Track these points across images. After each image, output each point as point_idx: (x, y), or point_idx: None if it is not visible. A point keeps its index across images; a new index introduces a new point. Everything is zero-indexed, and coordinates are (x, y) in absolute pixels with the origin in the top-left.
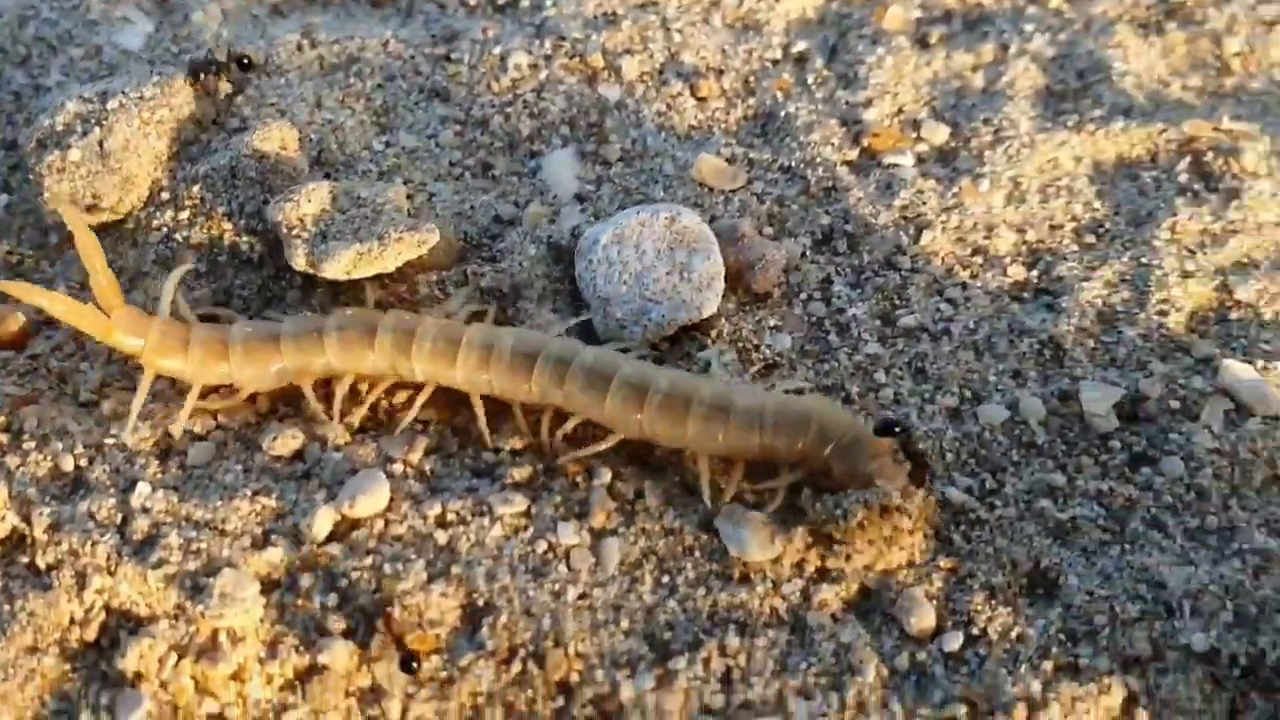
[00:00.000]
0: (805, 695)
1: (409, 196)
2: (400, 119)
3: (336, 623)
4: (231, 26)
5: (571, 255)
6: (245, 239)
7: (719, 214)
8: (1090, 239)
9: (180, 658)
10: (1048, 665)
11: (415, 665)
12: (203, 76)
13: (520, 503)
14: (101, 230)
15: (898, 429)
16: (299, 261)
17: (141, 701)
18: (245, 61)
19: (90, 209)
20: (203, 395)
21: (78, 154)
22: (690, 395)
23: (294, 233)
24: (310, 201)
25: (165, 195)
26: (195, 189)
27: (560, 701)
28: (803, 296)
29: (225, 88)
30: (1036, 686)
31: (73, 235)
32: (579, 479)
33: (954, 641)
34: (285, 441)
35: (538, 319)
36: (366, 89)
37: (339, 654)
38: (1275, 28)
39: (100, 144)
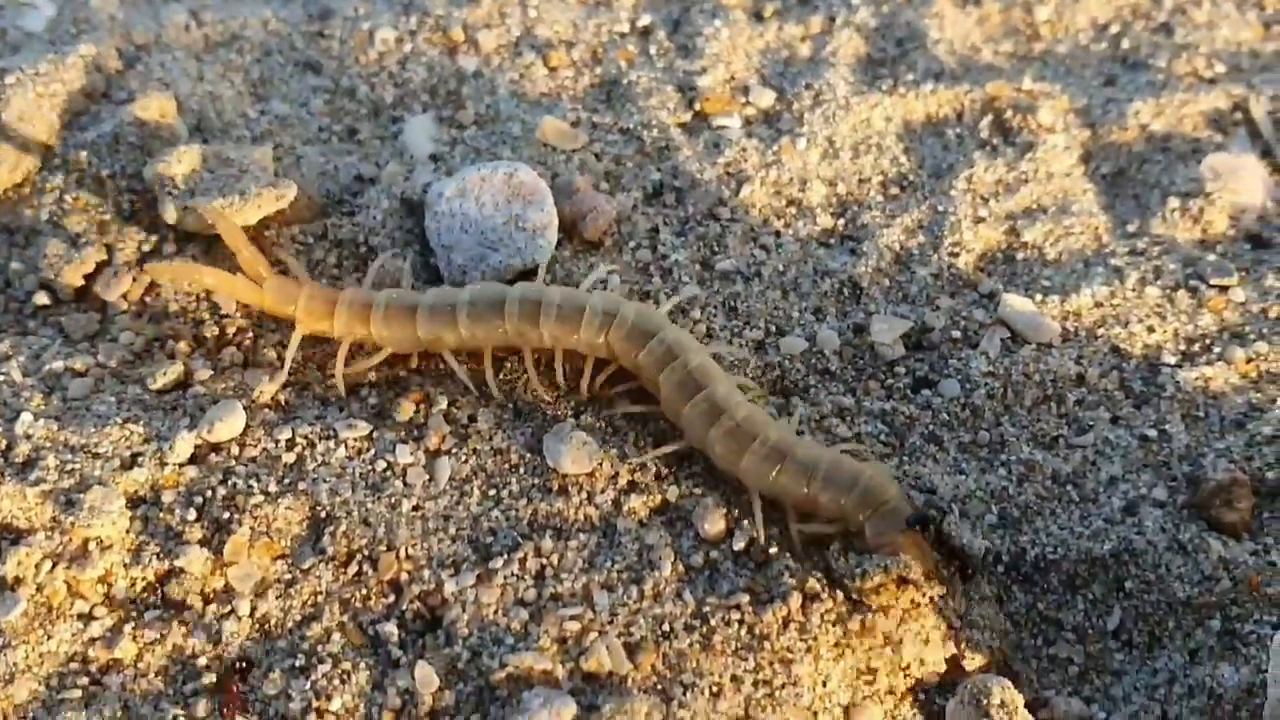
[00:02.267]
0: (608, 588)
1: (277, 159)
2: (275, 89)
3: (194, 532)
4: (127, 9)
5: (422, 209)
6: (126, 198)
7: (560, 171)
8: (895, 191)
9: (54, 565)
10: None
11: None
12: None
13: (363, 428)
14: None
15: (928, 524)
16: (169, 215)
17: (18, 603)
18: None
19: None
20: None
21: None
22: (757, 433)
23: (166, 189)
24: (181, 162)
25: (57, 161)
26: (83, 155)
27: (391, 598)
28: (632, 244)
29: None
30: (812, 581)
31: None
32: (420, 405)
33: (741, 542)
34: (166, 375)
35: (388, 267)
36: (245, 63)
37: (195, 559)
38: None
39: None
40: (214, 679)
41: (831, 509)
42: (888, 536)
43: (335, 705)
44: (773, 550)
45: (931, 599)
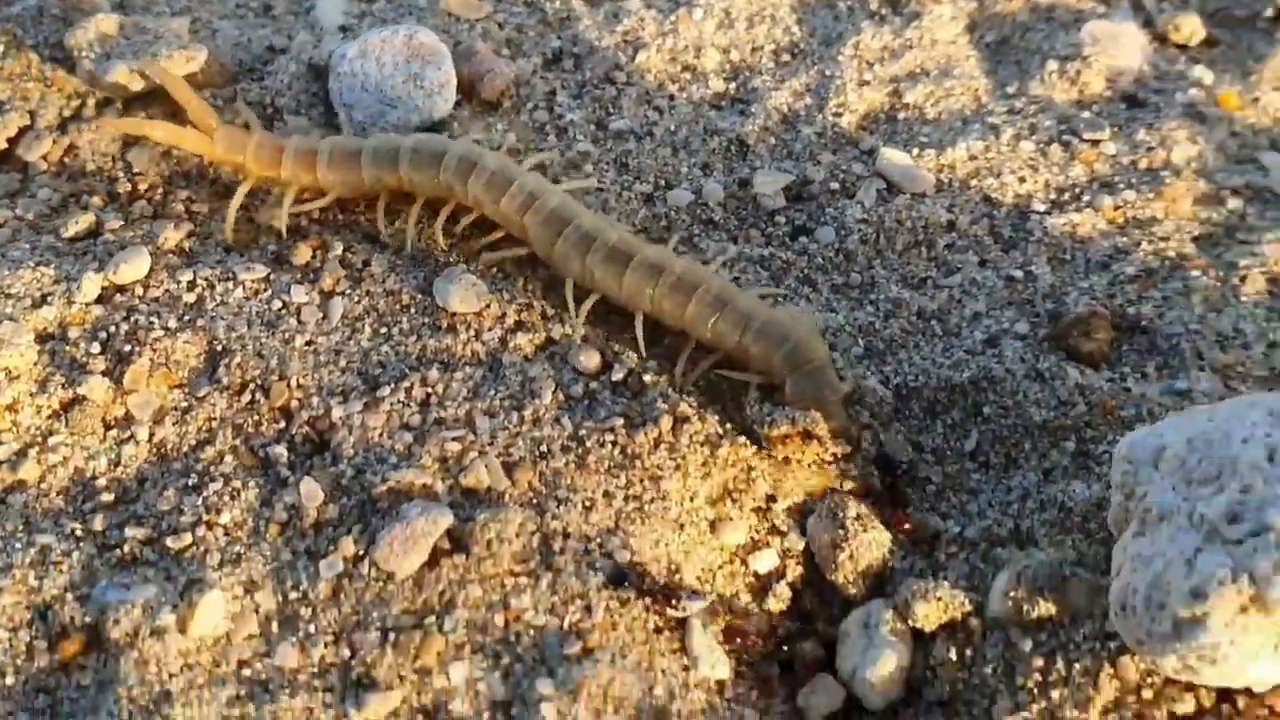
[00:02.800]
0: (490, 414)
1: (194, 30)
2: None
3: (97, 364)
4: None
5: (328, 73)
6: (49, 66)
7: (463, 39)
8: (786, 58)
9: None
10: (691, 388)
11: None
12: None
13: (261, 271)
14: None
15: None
16: (85, 77)
17: None
18: None
19: None
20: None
21: None
22: (699, 282)
23: (82, 54)
24: (98, 29)
25: None
26: (8, 26)
27: (281, 424)
28: (530, 106)
29: None
30: (683, 406)
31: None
32: (317, 251)
33: (619, 373)
34: (78, 224)
35: (291, 127)
36: None
37: (97, 388)
38: None
39: None
40: (111, 498)
41: (762, 362)
42: (806, 395)
43: (224, 519)
44: (647, 379)
45: (834, 455)
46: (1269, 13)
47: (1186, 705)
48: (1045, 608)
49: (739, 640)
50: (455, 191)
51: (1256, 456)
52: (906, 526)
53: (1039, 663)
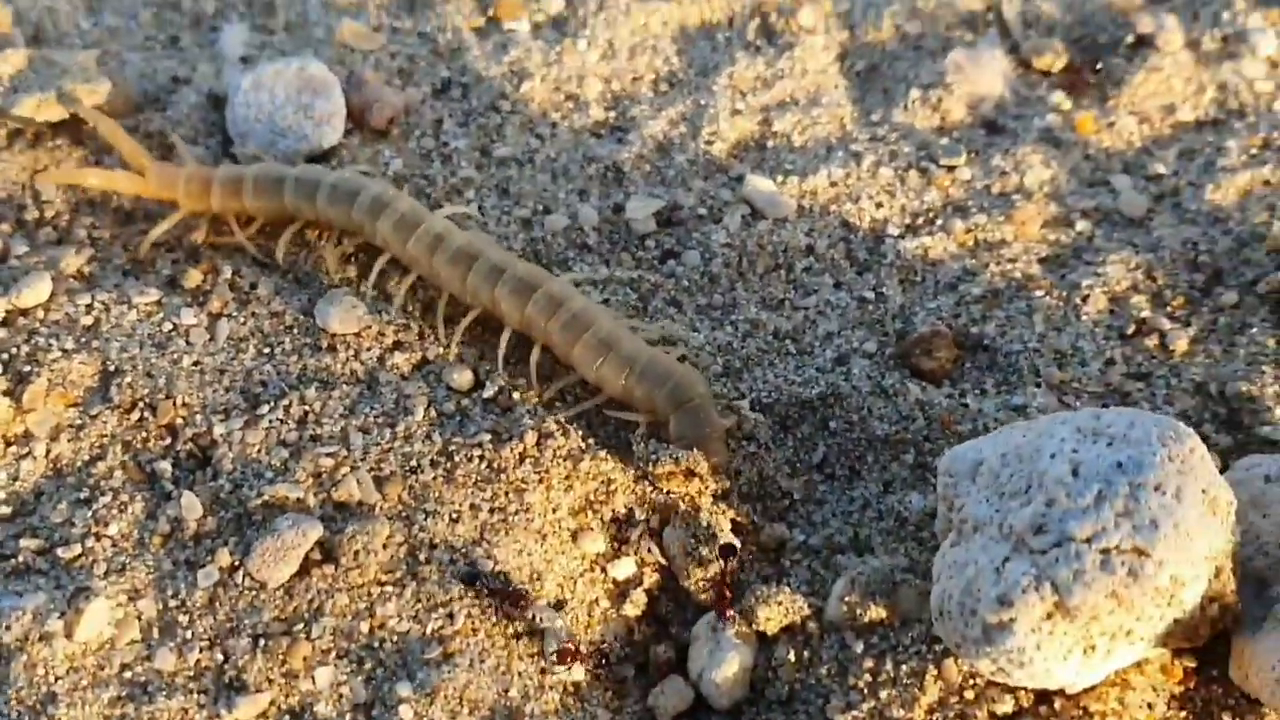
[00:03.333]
0: (364, 431)
1: (102, 63)
2: (107, 3)
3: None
4: None
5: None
6: None
7: (357, 68)
8: (664, 87)
9: None
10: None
11: None
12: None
13: (154, 294)
14: None
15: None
16: None
17: None
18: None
19: None
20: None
21: None
22: (589, 324)
23: None
24: (8, 63)
25: None
26: None
27: (168, 440)
28: (418, 133)
29: None
30: (549, 422)
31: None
32: (208, 275)
33: (490, 390)
34: None
35: (192, 152)
36: None
37: None
38: None
39: None
40: (9, 511)
41: (645, 402)
42: (688, 433)
43: (112, 530)
44: (515, 396)
45: (714, 493)
46: (1130, 39)
47: (1006, 706)
48: (876, 612)
49: (571, 660)
50: (366, 230)
51: (1061, 471)
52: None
53: (869, 664)
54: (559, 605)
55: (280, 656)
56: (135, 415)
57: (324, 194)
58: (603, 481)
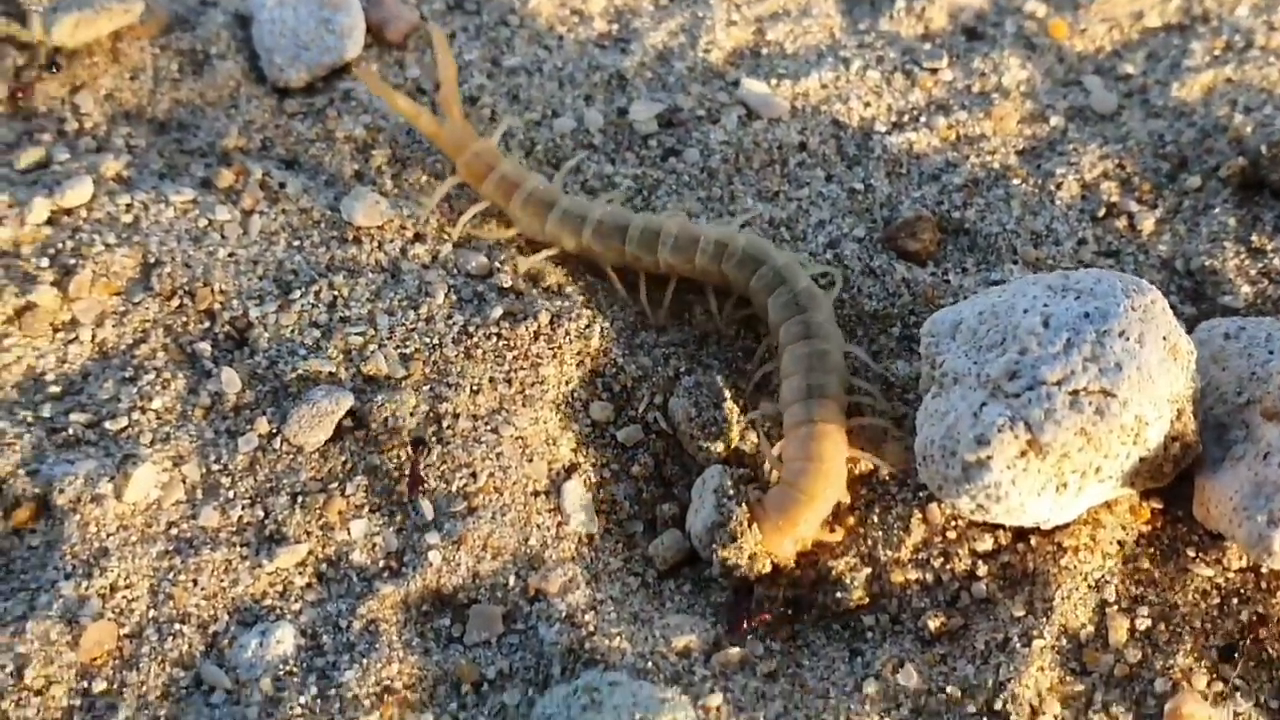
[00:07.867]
0: (389, 313)
1: None
2: None
3: (46, 276)
4: None
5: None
6: (3, 21)
7: None
8: (664, 2)
9: None
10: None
11: None
12: None
13: (190, 194)
14: None
15: None
16: (36, 30)
17: None
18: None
19: None
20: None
21: None
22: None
23: (32, 8)
24: None
25: None
26: None
27: (206, 324)
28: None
29: None
30: (561, 303)
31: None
32: (240, 176)
33: (505, 280)
34: (30, 156)
35: (219, 71)
36: None
37: (46, 296)
38: None
39: None
40: (59, 390)
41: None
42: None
43: (156, 404)
44: (521, 285)
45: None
46: None
47: (986, 544)
48: (866, 464)
49: None
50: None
51: (1034, 323)
52: None
53: (858, 512)
54: (571, 468)
55: (317, 511)
56: (175, 302)
57: (590, 228)
58: (613, 359)
